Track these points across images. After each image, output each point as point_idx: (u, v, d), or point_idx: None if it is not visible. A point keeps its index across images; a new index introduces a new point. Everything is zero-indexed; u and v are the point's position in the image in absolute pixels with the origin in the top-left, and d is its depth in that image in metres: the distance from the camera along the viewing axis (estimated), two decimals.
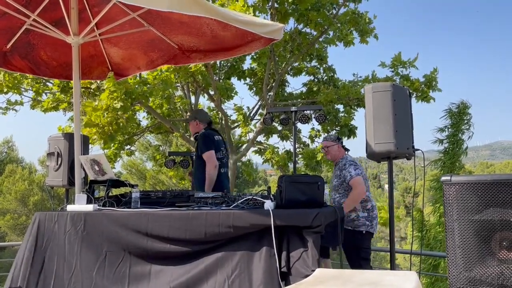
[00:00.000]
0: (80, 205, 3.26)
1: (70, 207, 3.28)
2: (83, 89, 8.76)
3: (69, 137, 4.20)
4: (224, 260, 2.75)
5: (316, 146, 9.65)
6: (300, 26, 9.24)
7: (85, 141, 4.38)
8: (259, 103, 10.75)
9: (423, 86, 8.63)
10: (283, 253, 2.66)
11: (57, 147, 4.23)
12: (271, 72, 9.61)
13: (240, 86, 15.21)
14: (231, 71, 10.29)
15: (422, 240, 7.74)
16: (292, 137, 10.25)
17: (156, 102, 9.08)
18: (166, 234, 2.88)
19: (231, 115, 10.60)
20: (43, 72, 4.80)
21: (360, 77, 9.61)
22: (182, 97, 10.32)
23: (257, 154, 10.92)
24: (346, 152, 4.33)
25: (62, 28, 3.90)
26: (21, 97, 8.99)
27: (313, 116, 5.07)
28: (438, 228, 7.95)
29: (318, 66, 10.36)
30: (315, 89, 10.13)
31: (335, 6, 8.94)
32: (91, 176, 3.49)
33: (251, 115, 10.73)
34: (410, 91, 3.75)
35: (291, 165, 9.31)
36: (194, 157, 4.90)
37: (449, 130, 8.42)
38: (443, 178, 2.29)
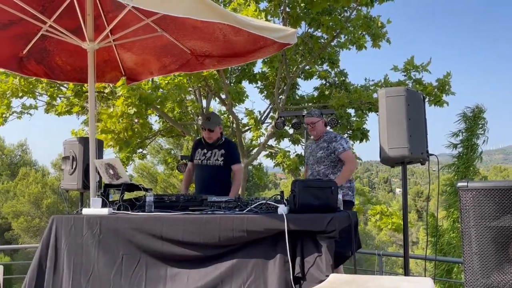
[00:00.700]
0: (95, 208, 3.29)
1: (85, 211, 3.31)
2: (97, 94, 8.86)
3: (83, 141, 4.25)
4: (239, 265, 2.76)
5: None
6: (312, 30, 9.25)
7: (100, 145, 4.44)
8: (270, 107, 10.77)
9: (436, 90, 8.56)
10: (297, 258, 2.66)
11: (72, 151, 4.28)
12: (282, 76, 9.63)
13: (250, 89, 15.22)
14: (242, 74, 10.32)
15: (435, 245, 7.65)
16: (303, 141, 10.26)
17: (168, 106, 9.15)
18: (181, 238, 2.89)
19: (242, 119, 10.64)
20: (57, 76, 4.87)
21: (373, 80, 9.58)
22: (194, 101, 10.38)
23: (268, 158, 10.94)
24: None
25: (77, 34, 3.96)
26: (35, 101, 9.13)
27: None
28: (452, 234, 7.86)
29: (330, 70, 10.35)
30: (326, 93, 10.11)
31: (347, 9, 8.93)
32: (106, 180, 3.53)
33: (262, 118, 10.75)
34: (424, 95, 3.73)
35: (302, 169, 9.30)
36: (213, 161, 4.34)
37: (463, 134, 8.33)
38: (459, 184, 2.27)
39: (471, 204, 2.22)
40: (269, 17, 7.89)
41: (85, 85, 7.02)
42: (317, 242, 2.66)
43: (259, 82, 10.54)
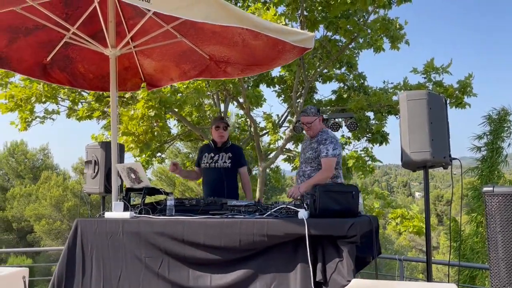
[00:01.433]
0: (117, 212, 3.34)
1: (108, 214, 3.37)
2: (117, 98, 8.99)
3: (105, 145, 4.33)
4: (261, 270, 2.77)
5: (347, 153, 9.55)
6: (330, 33, 9.22)
7: (121, 149, 4.51)
8: (287, 111, 10.76)
9: (457, 92, 8.41)
10: (319, 264, 2.65)
11: (94, 155, 4.36)
12: (300, 80, 9.61)
13: (268, 93, 15.31)
14: (260, 78, 10.36)
15: (459, 250, 7.50)
16: None
17: (186, 110, 9.24)
18: (202, 242, 2.92)
19: (259, 122, 10.66)
20: (80, 84, 4.96)
21: (391, 83, 9.48)
22: (212, 105, 10.45)
23: (286, 162, 10.92)
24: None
25: (98, 41, 4.04)
26: (57, 106, 9.33)
27: (343, 123, 5.03)
28: (475, 239, 7.69)
29: (348, 73, 10.29)
30: (345, 96, 10.05)
31: (364, 13, 8.88)
32: (127, 184, 3.58)
33: (280, 122, 10.75)
34: (446, 98, 3.67)
35: None
36: (220, 163, 4.43)
37: (488, 137, 8.12)
38: (485, 189, 2.23)
39: (497, 209, 2.17)
40: (286, 21, 7.90)
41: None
42: (338, 247, 2.65)
43: (277, 86, 10.55)
